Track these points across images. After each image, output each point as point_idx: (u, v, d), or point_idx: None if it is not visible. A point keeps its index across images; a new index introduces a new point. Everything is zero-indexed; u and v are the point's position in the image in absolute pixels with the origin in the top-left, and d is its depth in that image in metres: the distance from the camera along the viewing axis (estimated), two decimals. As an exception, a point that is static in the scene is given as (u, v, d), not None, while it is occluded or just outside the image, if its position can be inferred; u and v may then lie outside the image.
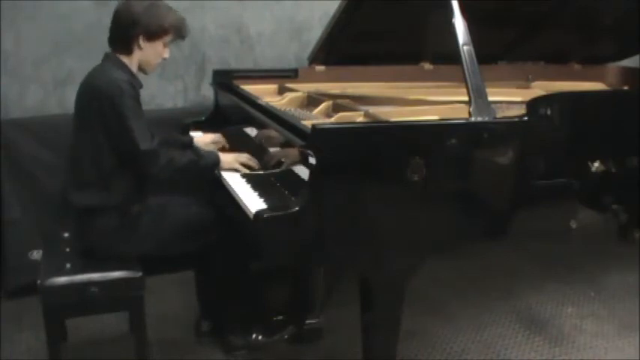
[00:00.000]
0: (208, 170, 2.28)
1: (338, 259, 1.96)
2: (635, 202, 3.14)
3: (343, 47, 2.88)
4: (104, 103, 2.06)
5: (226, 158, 2.29)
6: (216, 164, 2.27)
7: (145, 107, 2.19)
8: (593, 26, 3.13)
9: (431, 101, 2.52)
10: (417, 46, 2.96)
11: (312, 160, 1.81)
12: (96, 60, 2.21)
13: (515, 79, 3.09)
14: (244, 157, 2.32)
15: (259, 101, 2.47)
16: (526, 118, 2.11)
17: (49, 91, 3.06)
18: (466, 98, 2.07)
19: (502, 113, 2.26)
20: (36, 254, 2.84)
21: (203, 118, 2.88)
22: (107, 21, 2.18)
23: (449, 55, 2.12)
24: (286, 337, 2.58)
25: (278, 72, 3.01)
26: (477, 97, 2.03)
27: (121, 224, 2.16)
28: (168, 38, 2.20)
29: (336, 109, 2.44)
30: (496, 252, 3.46)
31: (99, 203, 2.13)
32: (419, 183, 1.87)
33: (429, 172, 1.88)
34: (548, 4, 2.91)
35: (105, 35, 2.19)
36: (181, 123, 2.85)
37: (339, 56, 2.94)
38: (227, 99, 2.79)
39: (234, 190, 2.12)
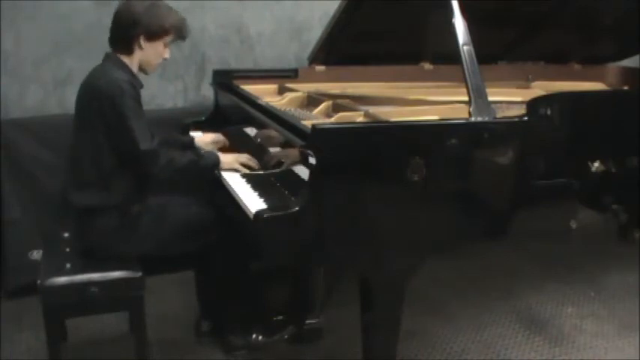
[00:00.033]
0: (208, 170, 2.28)
1: (338, 259, 1.96)
2: (635, 202, 3.13)
3: (343, 47, 2.88)
4: (105, 103, 2.06)
5: (226, 158, 2.29)
6: (216, 164, 2.27)
7: (145, 107, 2.19)
8: (593, 26, 3.13)
9: (431, 101, 2.52)
10: (417, 46, 2.96)
11: (312, 160, 1.81)
12: (96, 60, 2.21)
13: (515, 79, 3.09)
14: (244, 157, 2.32)
15: (259, 101, 2.47)
16: (526, 118, 2.12)
17: (49, 91, 3.06)
18: (466, 98, 2.07)
19: (502, 113, 2.26)
20: (36, 254, 2.84)
21: (203, 118, 2.89)
22: (107, 21, 2.18)
23: (449, 55, 2.12)
24: (286, 337, 2.58)
25: (278, 72, 3.01)
26: (477, 97, 2.03)
27: (121, 224, 2.16)
28: (168, 38, 2.20)
29: (336, 109, 2.44)
30: (496, 252, 3.46)
31: (99, 203, 2.13)
32: (419, 183, 1.87)
33: (429, 172, 1.88)
34: (548, 4, 2.91)
35: (105, 35, 2.19)
36: (181, 123, 2.85)
37: (339, 56, 2.93)
38: (227, 99, 2.79)
39: (234, 190, 2.12)
